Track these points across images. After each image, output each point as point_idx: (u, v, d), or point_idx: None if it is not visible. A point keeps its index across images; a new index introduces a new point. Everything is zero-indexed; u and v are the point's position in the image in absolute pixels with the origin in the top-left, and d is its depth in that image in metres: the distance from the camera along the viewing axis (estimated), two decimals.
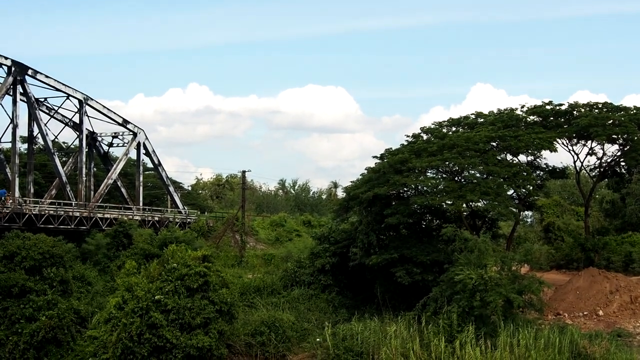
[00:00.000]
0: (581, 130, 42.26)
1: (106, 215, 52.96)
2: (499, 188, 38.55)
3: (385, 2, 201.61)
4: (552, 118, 44.53)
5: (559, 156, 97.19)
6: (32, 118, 53.00)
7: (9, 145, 52.98)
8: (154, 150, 62.45)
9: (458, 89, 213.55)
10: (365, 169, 43.00)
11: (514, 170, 39.71)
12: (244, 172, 62.14)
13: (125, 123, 59.67)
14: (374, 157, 43.70)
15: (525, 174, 40.61)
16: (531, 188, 42.08)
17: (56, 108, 56.52)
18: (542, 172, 45.17)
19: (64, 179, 54.00)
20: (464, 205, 40.41)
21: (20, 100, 50.88)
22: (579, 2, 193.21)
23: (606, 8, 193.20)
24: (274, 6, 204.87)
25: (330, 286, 42.32)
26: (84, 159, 55.76)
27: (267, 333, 34.59)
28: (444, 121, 46.76)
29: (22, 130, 53.35)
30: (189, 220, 61.22)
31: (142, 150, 61.21)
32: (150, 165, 65.98)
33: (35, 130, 53.47)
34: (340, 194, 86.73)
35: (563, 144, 44.30)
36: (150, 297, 31.21)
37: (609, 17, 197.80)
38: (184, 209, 64.23)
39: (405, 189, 40.08)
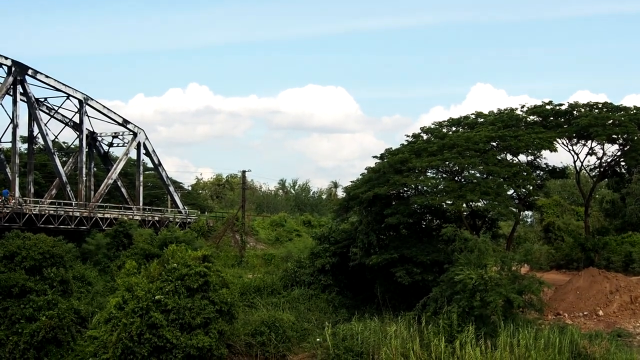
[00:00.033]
0: (581, 130, 42.28)
1: (106, 215, 52.97)
2: (499, 188, 38.57)
3: (385, 2, 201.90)
4: (552, 118, 44.54)
5: (559, 156, 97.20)
6: (32, 118, 53.02)
7: (9, 145, 53.05)
8: (154, 150, 62.51)
9: (458, 89, 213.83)
10: (365, 169, 43.10)
11: (514, 170, 39.72)
12: (244, 172, 62.21)
13: (125, 123, 59.69)
14: (374, 157, 43.83)
15: (525, 173, 40.62)
16: (531, 188, 42.10)
17: (56, 108, 56.57)
18: (542, 172, 45.18)
19: (64, 178, 54.01)
20: (464, 205, 40.43)
21: (21, 100, 50.91)
22: (579, 2, 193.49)
23: (606, 8, 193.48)
24: (274, 6, 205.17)
25: (331, 286, 42.33)
26: (84, 159, 55.78)
27: (267, 333, 34.61)
28: (444, 121, 46.79)
29: (22, 130, 53.43)
30: (189, 220, 61.23)
31: (142, 150, 61.22)
32: (150, 165, 66.00)
33: (36, 130, 53.48)
34: (340, 194, 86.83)
35: (563, 144, 44.31)
36: (150, 297, 31.21)
37: (609, 17, 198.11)
38: (184, 209, 64.24)
39: (406, 188, 40.10)
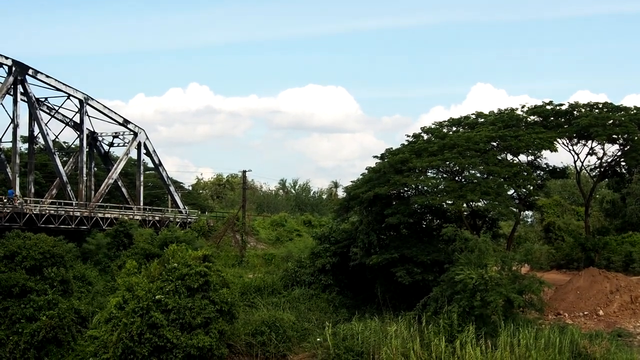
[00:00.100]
0: (581, 130, 42.30)
1: (107, 215, 52.96)
2: (500, 188, 38.59)
3: (385, 2, 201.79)
4: (552, 118, 44.57)
5: (559, 156, 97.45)
6: (33, 118, 53.01)
7: (10, 145, 53.06)
8: (154, 150, 62.49)
9: (458, 89, 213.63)
10: (366, 169, 43.14)
11: (514, 170, 39.74)
12: (244, 172, 62.16)
13: (125, 123, 59.67)
14: (375, 157, 43.89)
15: (525, 173, 40.65)
16: (531, 188, 42.14)
17: (57, 108, 56.49)
18: (542, 172, 45.22)
19: (65, 178, 54.01)
20: (465, 205, 40.45)
21: (21, 100, 50.90)
22: (579, 2, 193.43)
23: (606, 8, 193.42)
24: (274, 6, 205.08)
25: (331, 286, 42.35)
26: (85, 159, 55.76)
27: (268, 333, 34.64)
28: (445, 121, 46.83)
29: (23, 130, 53.49)
30: (189, 220, 61.21)
31: (143, 150, 61.18)
32: (150, 165, 65.96)
33: (36, 130, 53.47)
34: (341, 193, 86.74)
35: (563, 144, 44.35)
36: (150, 297, 31.24)
37: (609, 17, 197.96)
38: (185, 208, 64.22)
39: (406, 188, 40.12)
